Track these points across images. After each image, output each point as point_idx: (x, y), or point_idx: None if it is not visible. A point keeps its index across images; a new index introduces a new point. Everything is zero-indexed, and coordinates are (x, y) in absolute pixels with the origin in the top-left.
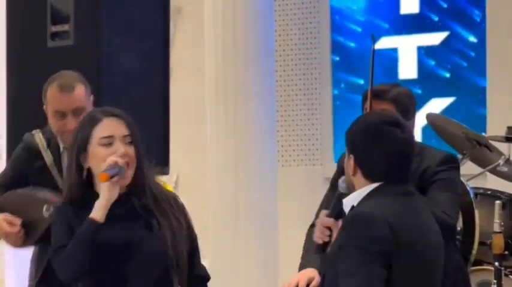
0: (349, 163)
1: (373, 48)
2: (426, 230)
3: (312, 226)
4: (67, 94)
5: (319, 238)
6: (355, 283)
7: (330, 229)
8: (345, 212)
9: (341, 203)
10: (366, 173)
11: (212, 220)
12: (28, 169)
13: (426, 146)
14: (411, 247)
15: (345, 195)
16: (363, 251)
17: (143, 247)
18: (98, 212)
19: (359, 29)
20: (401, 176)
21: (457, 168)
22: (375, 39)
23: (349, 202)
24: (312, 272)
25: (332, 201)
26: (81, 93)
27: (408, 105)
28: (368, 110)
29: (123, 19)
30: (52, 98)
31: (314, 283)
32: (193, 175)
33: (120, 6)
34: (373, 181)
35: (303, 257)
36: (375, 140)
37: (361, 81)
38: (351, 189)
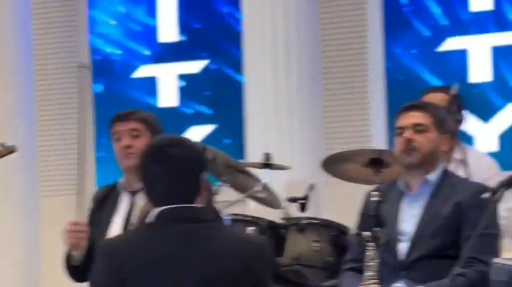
0: None
1: None
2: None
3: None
4: None
5: None
6: None
7: None
8: None
9: None
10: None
11: None
12: None
13: None
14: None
15: None
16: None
17: None
18: None
19: (119, 55)
20: (178, 197)
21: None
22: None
23: None
24: None
25: None
26: None
27: (156, 126)
28: (117, 134)
29: None
30: None
31: None
32: None
33: None
34: (156, 205)
35: None
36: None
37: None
38: None
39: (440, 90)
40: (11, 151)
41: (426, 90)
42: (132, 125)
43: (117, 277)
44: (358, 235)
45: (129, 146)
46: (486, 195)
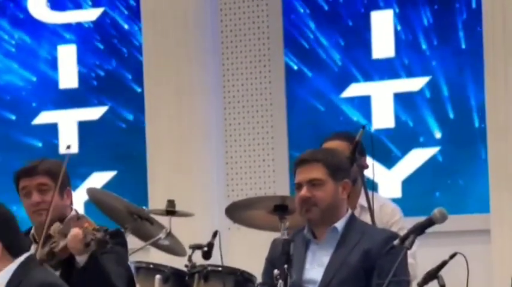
0: None
1: None
2: None
3: None
4: None
5: None
6: None
7: None
8: None
9: None
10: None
11: None
12: None
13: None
14: None
15: None
16: None
17: None
18: None
19: (19, 102)
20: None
21: (123, 244)
22: None
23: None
24: None
25: None
26: None
27: (62, 176)
28: (25, 190)
29: None
30: None
31: None
32: None
33: None
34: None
35: None
36: None
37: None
38: None
39: (342, 136)
40: None
41: (328, 136)
42: (39, 179)
43: None
44: (263, 284)
45: (39, 203)
46: (396, 242)
